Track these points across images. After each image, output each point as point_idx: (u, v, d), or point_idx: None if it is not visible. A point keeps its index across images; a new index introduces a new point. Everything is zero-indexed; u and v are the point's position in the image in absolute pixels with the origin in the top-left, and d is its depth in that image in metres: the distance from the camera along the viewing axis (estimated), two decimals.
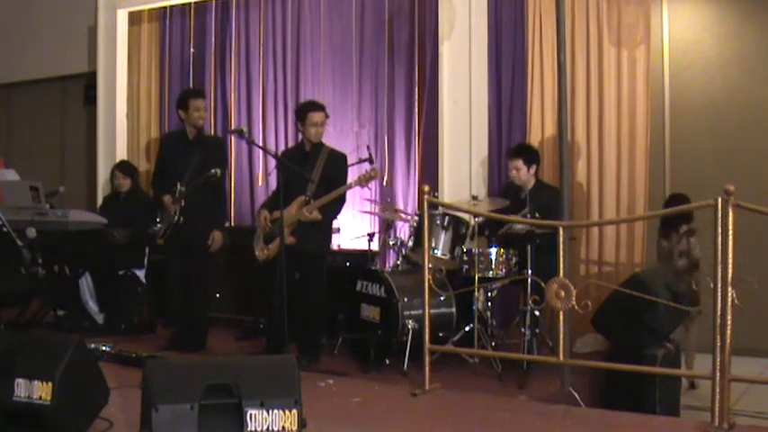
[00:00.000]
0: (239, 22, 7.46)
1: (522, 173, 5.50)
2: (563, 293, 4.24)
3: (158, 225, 5.59)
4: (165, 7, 7.77)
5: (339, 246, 6.41)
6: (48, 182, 6.33)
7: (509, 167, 5.60)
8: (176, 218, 5.47)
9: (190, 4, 7.61)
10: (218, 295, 6.57)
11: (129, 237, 6.18)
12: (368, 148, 5.66)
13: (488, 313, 5.41)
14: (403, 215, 6.01)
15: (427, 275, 4.65)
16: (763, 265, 5.19)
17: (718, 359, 3.81)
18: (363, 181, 5.13)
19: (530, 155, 5.57)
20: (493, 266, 5.18)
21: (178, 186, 5.45)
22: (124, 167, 6.94)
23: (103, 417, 3.66)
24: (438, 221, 5.29)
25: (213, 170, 5.38)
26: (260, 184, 7.31)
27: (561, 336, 4.34)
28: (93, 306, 6.35)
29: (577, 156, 5.89)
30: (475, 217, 5.36)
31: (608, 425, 3.58)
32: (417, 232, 5.32)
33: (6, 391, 3.31)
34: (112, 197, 6.96)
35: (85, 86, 8.42)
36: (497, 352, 5.20)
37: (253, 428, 3.03)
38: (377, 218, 6.54)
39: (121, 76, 7.86)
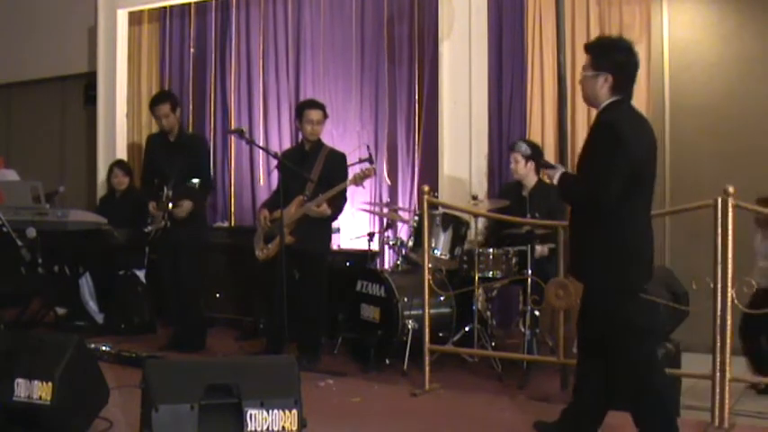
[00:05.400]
0: (239, 22, 7.46)
1: (520, 166, 5.51)
2: (563, 293, 4.24)
3: (149, 227, 5.60)
4: (165, 7, 7.77)
5: (339, 246, 6.41)
6: (48, 182, 6.33)
7: (510, 160, 5.62)
8: (164, 222, 5.48)
9: (190, 4, 7.61)
10: (218, 295, 6.57)
11: (129, 237, 6.18)
12: (368, 147, 5.66)
13: (488, 313, 5.42)
14: (403, 215, 6.00)
15: (427, 275, 4.66)
16: None
17: (718, 359, 3.81)
18: (358, 179, 5.14)
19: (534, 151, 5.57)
20: (493, 266, 5.18)
21: (165, 190, 5.47)
22: (123, 165, 6.98)
23: (103, 417, 3.66)
24: (438, 221, 5.29)
25: (192, 181, 5.39)
26: (261, 183, 7.32)
27: (561, 336, 4.34)
28: (93, 306, 6.35)
29: (578, 156, 5.87)
30: (475, 217, 5.36)
31: (608, 425, 3.57)
32: (417, 232, 5.32)
33: (6, 391, 3.32)
34: (108, 197, 6.97)
35: (85, 86, 8.42)
36: (497, 352, 5.20)
37: (253, 428, 3.03)
38: (377, 218, 6.54)
39: (121, 76, 7.86)
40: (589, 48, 3.45)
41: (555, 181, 3.48)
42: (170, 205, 5.42)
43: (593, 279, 3.40)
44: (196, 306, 5.76)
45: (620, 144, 3.20)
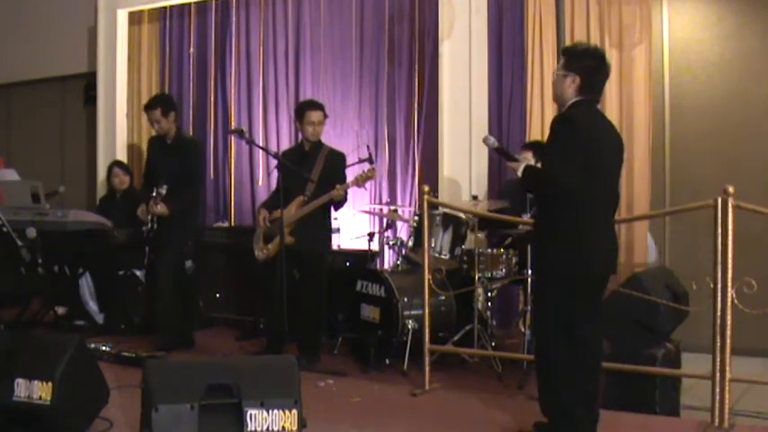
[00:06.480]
0: (239, 22, 7.46)
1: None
2: None
3: (144, 227, 5.63)
4: (165, 7, 7.77)
5: (339, 246, 6.41)
6: (48, 182, 6.33)
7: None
8: (150, 225, 5.51)
9: (190, 4, 7.61)
10: (218, 295, 6.58)
11: (129, 237, 6.18)
12: (368, 147, 5.66)
13: (488, 313, 5.41)
14: (403, 215, 6.00)
15: (427, 275, 4.66)
16: (763, 265, 5.19)
17: (718, 359, 3.82)
18: (361, 180, 5.14)
19: (541, 150, 5.54)
20: (493, 266, 5.18)
21: (155, 191, 5.48)
22: (123, 165, 6.98)
23: (103, 417, 3.66)
24: (438, 221, 5.29)
25: (158, 191, 5.38)
26: (261, 183, 7.32)
27: None
28: (93, 306, 6.35)
29: None
30: (475, 217, 5.35)
31: (608, 425, 3.58)
32: (417, 232, 5.32)
33: (6, 391, 3.32)
34: (108, 197, 6.97)
35: (85, 86, 8.42)
36: (497, 352, 5.19)
37: (253, 428, 3.03)
38: (377, 218, 6.54)
39: (121, 76, 7.86)
40: (564, 51, 3.67)
41: (519, 173, 3.59)
42: (155, 206, 5.47)
43: (539, 263, 3.61)
44: (170, 307, 5.69)
45: (576, 132, 3.36)
